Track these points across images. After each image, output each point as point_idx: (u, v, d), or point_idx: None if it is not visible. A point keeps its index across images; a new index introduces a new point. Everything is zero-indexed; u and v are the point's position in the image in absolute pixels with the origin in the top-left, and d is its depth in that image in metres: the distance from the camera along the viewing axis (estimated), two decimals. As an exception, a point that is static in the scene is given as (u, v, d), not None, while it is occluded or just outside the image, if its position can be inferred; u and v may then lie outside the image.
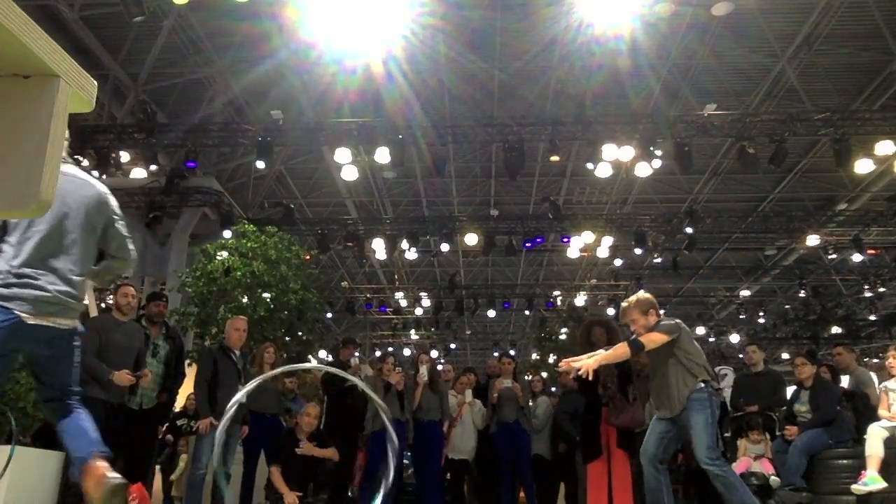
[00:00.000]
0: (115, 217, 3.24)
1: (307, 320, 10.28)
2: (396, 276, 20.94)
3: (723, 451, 6.71)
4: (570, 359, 4.51)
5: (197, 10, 10.14)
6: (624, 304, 4.77)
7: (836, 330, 22.31)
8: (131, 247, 3.32)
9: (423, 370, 6.95)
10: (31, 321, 2.82)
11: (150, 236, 13.30)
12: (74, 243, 3.04)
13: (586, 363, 4.28)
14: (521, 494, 7.65)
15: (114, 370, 5.02)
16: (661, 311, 4.67)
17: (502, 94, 12.42)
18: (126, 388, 5.28)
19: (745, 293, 21.66)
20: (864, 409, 6.21)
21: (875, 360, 9.06)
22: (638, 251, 15.49)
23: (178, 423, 8.56)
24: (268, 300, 9.68)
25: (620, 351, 4.45)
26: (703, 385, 4.34)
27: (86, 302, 12.86)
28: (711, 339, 25.57)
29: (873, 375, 7.02)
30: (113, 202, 3.26)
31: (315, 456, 5.90)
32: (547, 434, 7.69)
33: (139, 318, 6.04)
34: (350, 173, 11.85)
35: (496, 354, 20.99)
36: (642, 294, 4.73)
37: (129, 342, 5.30)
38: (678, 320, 4.57)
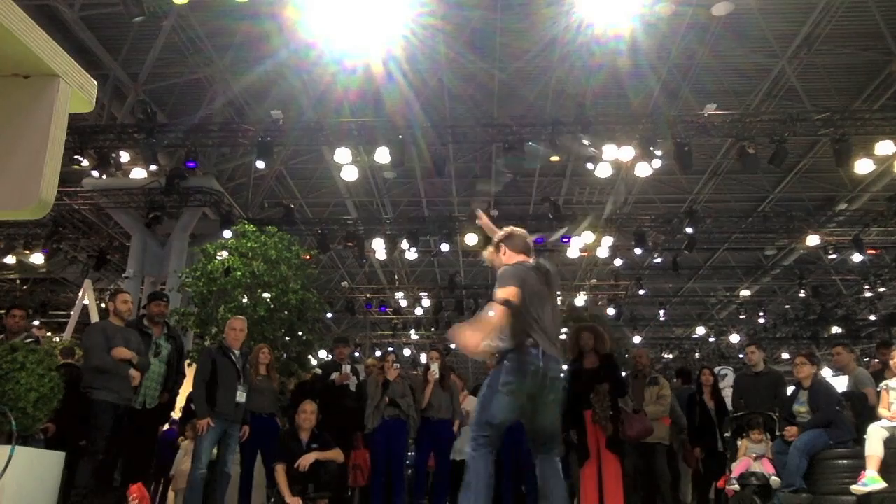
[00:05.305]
0: None
1: (307, 320, 10.28)
2: (396, 276, 20.92)
3: (724, 451, 6.74)
4: None
5: (197, 10, 10.14)
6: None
7: (836, 330, 22.31)
8: None
9: (435, 367, 6.74)
10: None
11: (150, 236, 13.31)
12: None
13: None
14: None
15: (118, 372, 5.22)
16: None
17: (502, 94, 12.41)
18: (132, 390, 5.35)
19: (745, 293, 21.64)
20: (863, 409, 6.21)
21: (875, 360, 9.04)
22: (638, 251, 15.49)
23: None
24: (268, 300, 9.68)
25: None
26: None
27: (85, 302, 12.73)
28: (711, 339, 25.57)
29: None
30: None
31: (319, 459, 5.82)
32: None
33: (140, 318, 6.06)
34: (350, 173, 11.84)
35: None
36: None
37: (129, 346, 5.44)
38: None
